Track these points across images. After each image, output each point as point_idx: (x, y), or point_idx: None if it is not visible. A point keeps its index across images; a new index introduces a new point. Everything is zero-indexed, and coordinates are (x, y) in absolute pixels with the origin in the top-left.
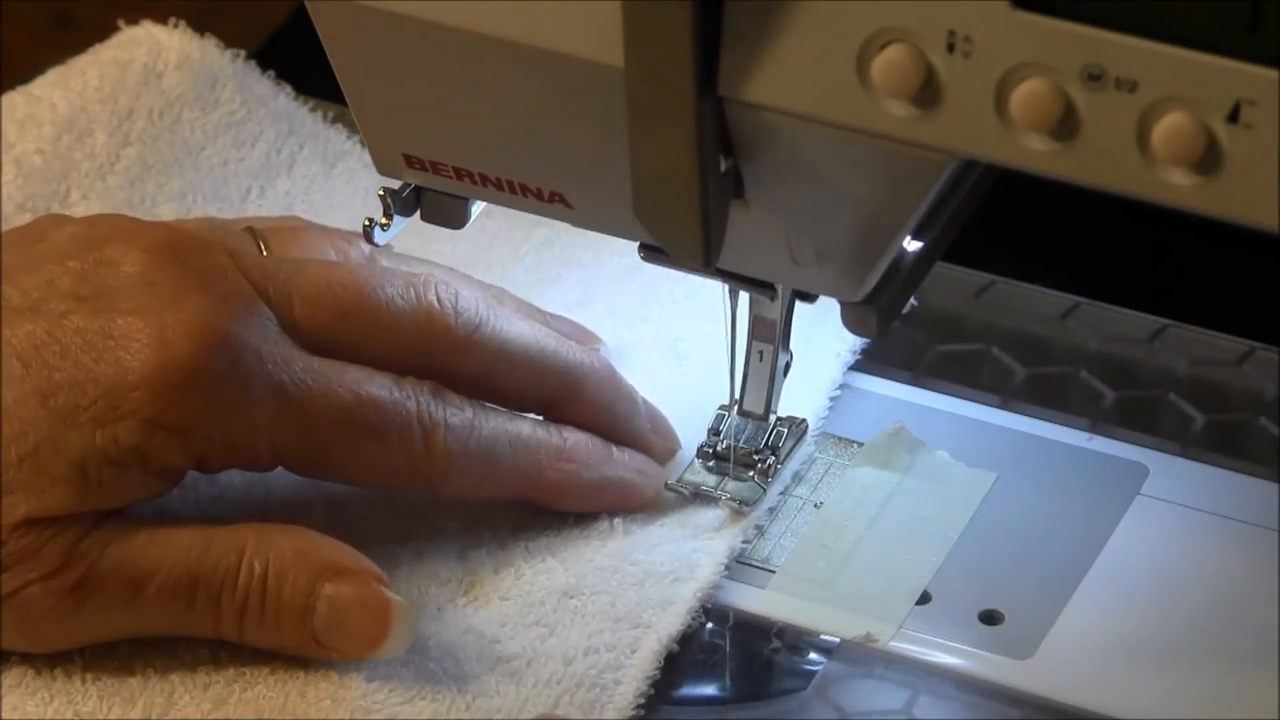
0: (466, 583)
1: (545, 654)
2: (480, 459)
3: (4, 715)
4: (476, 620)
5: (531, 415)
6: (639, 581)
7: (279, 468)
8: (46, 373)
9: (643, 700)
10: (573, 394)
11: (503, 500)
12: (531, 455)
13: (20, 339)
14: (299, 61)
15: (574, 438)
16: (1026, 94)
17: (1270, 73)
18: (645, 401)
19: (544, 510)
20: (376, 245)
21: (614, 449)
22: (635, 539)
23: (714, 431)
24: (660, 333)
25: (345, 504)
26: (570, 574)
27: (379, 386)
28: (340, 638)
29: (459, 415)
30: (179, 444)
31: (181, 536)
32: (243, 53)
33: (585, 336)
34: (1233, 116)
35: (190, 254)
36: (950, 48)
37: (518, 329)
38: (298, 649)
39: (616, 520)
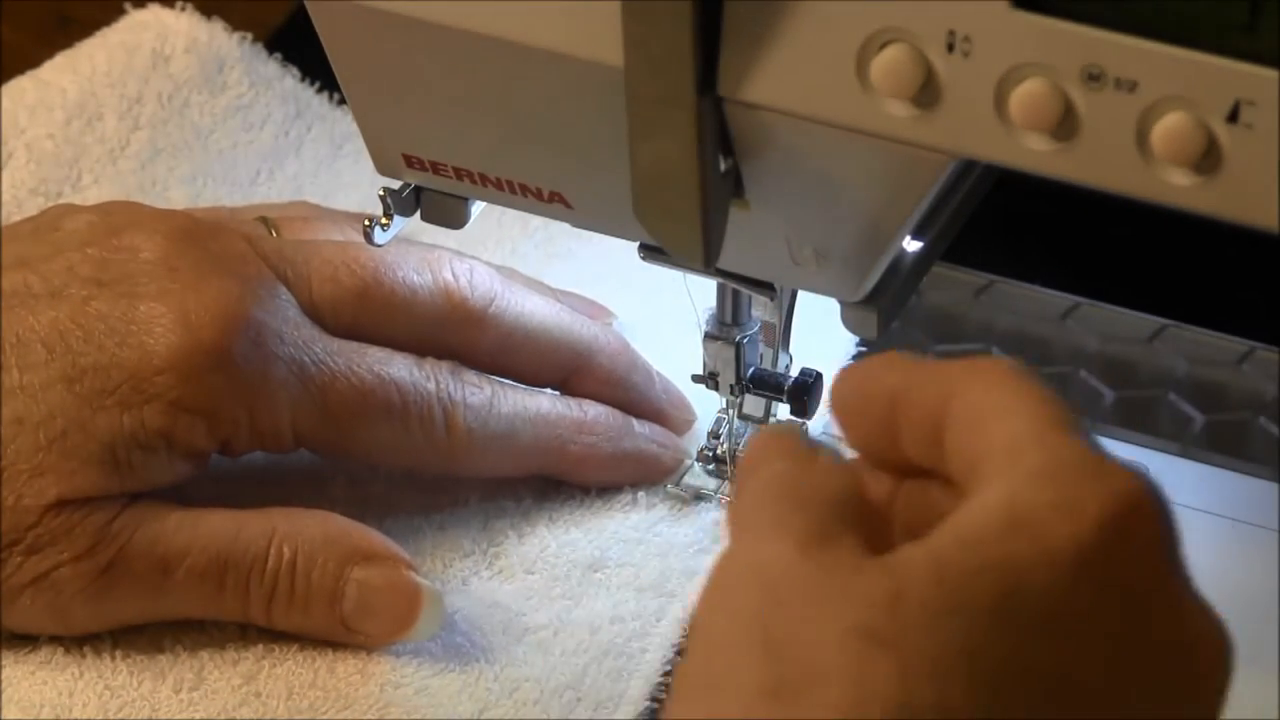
0: (491, 554)
1: (572, 624)
2: (501, 436)
3: (35, 691)
4: (502, 594)
5: (549, 391)
6: (663, 553)
7: (300, 449)
8: (71, 358)
9: (669, 668)
10: (587, 367)
11: (525, 475)
12: (552, 430)
13: (44, 325)
14: (306, 45)
15: (594, 411)
16: (1026, 94)
17: (1270, 73)
18: (659, 374)
19: (566, 482)
20: (377, 245)
21: (634, 422)
22: (658, 511)
23: (714, 435)
24: (673, 305)
25: (366, 478)
26: (594, 546)
27: (399, 367)
28: (369, 622)
29: (478, 394)
30: (204, 426)
31: (211, 520)
32: (249, 35)
33: (597, 311)
34: (1232, 116)
35: (208, 239)
36: (950, 48)
37: (532, 304)
38: (326, 633)
39: (639, 493)
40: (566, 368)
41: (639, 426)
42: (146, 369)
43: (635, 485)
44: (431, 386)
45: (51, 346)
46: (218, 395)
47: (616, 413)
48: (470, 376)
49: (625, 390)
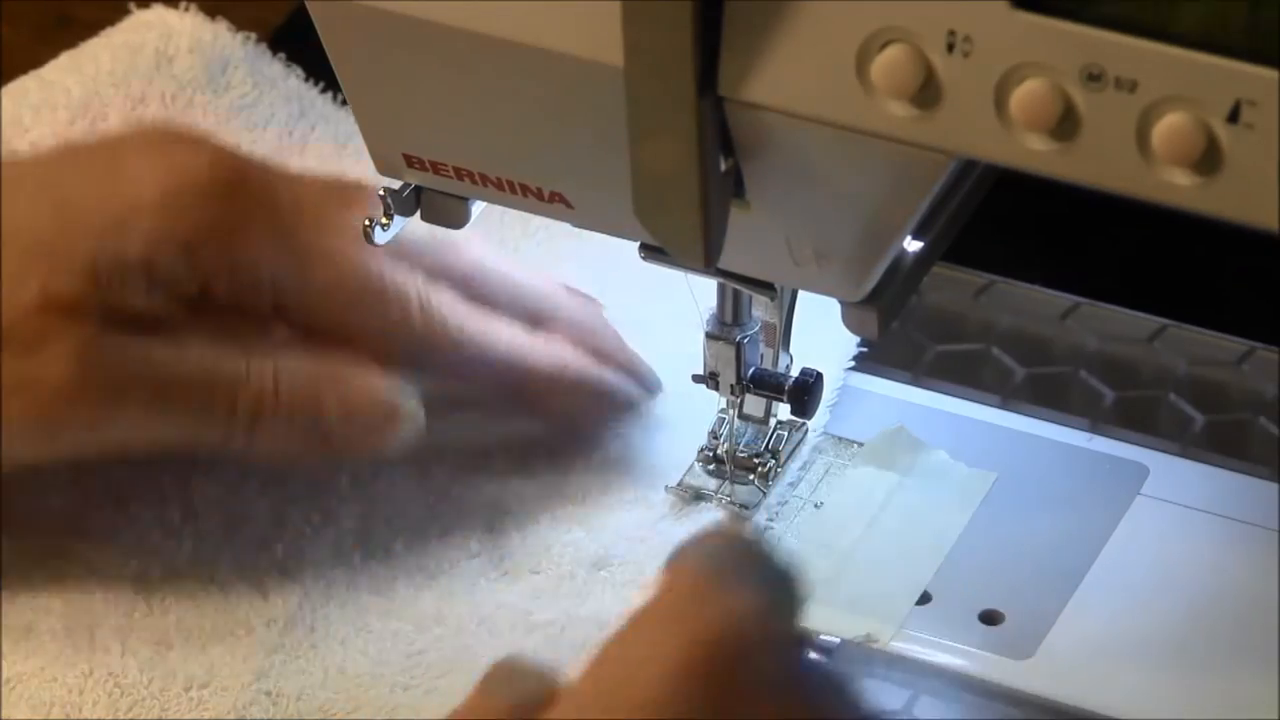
0: (496, 556)
1: (579, 619)
2: (475, 339)
3: (44, 688)
4: (509, 594)
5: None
6: (664, 551)
7: (281, 341)
8: (60, 190)
9: None
10: (554, 319)
11: (495, 395)
12: (524, 341)
13: (35, 167)
14: (310, 45)
15: (563, 344)
16: (1026, 94)
17: (1270, 73)
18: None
19: (569, 478)
20: (377, 245)
21: (603, 364)
22: (658, 510)
23: (714, 435)
24: (673, 305)
25: (369, 478)
26: (598, 544)
27: (380, 259)
28: (350, 426)
29: (455, 303)
30: (185, 261)
31: (197, 341)
32: (253, 35)
33: (587, 302)
34: (1233, 116)
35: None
36: (950, 48)
37: (496, 258)
38: (306, 442)
39: (641, 492)
40: (534, 313)
41: (608, 368)
42: (133, 199)
43: (603, 422)
44: (410, 280)
45: (40, 179)
46: (200, 228)
47: (586, 350)
48: (447, 293)
49: (593, 339)
